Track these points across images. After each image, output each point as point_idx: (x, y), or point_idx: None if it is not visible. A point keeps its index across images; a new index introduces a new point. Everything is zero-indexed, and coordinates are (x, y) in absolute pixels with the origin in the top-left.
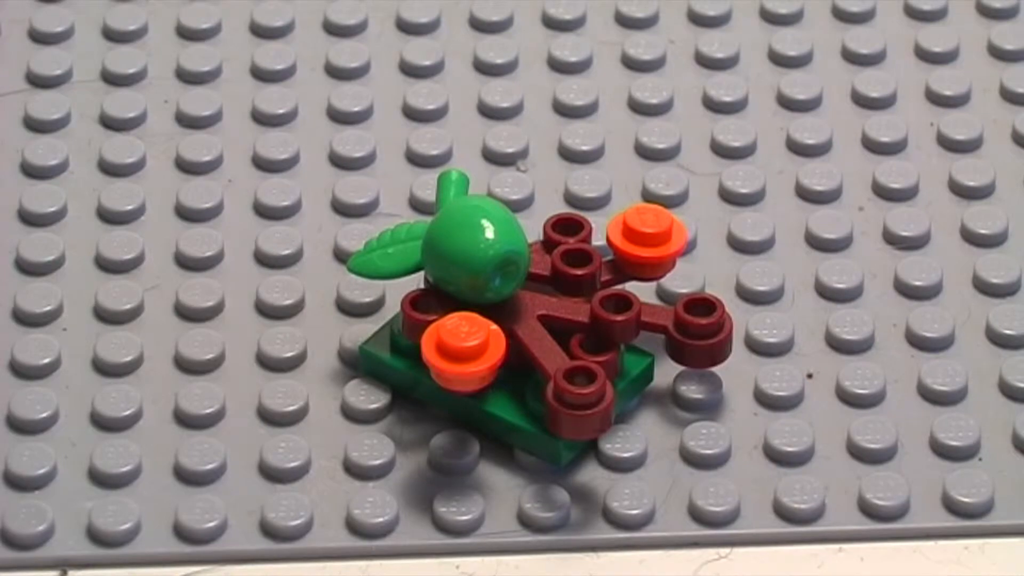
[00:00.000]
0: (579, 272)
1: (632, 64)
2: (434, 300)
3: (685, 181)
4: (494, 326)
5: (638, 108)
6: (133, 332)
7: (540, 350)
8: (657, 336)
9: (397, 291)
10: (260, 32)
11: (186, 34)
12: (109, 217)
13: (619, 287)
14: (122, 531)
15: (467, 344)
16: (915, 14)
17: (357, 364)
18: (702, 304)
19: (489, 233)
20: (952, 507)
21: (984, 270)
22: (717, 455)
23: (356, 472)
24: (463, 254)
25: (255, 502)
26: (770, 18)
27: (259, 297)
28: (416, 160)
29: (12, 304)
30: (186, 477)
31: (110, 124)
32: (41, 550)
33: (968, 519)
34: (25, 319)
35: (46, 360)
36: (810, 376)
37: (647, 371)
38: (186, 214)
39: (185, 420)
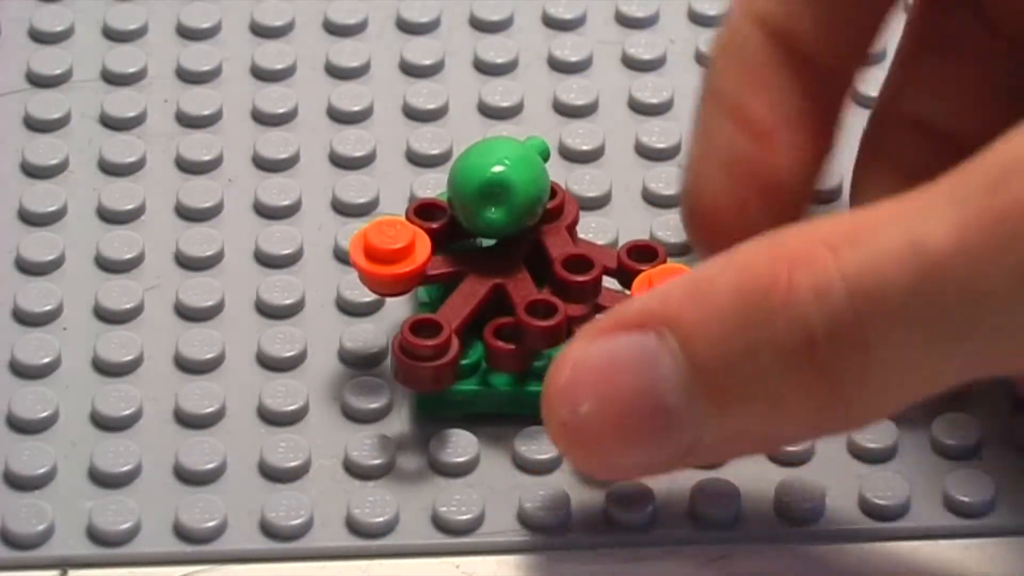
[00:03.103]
0: (580, 279)
1: (632, 64)
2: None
3: None
4: (420, 231)
5: (638, 108)
6: (133, 332)
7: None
8: None
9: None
10: (260, 32)
11: (186, 34)
12: (109, 217)
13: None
14: (122, 531)
15: (392, 247)
16: None
17: (357, 364)
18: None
19: (479, 159)
20: (952, 507)
21: None
22: None
23: (356, 472)
24: (455, 176)
25: (255, 502)
26: None
27: (259, 297)
28: (416, 160)
29: (12, 304)
30: (186, 477)
31: (110, 123)
32: (41, 550)
33: (968, 519)
34: (25, 319)
35: (46, 360)
36: None
37: None
38: (186, 214)
39: (185, 420)
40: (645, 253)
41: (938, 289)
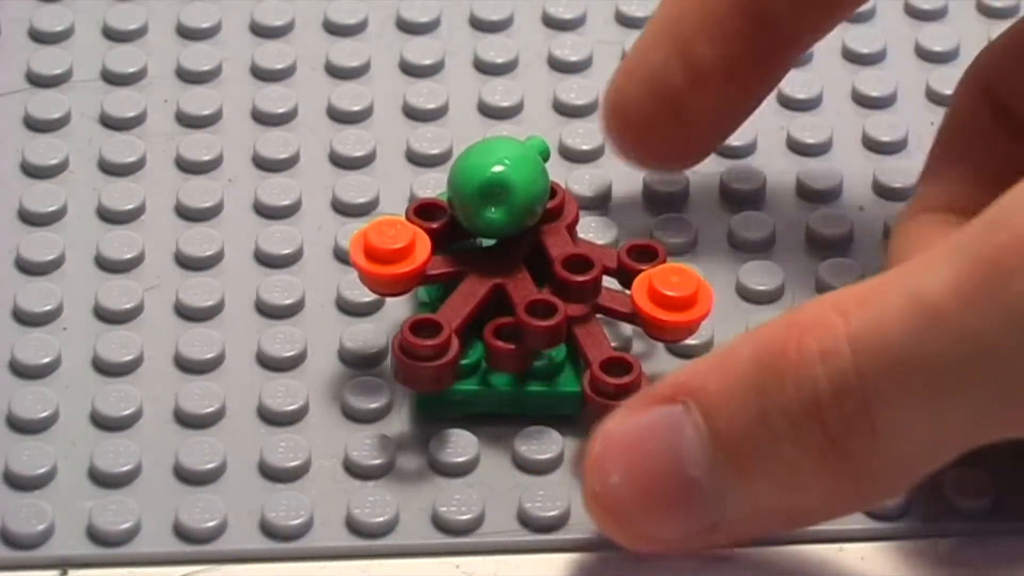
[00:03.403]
0: (580, 278)
1: None
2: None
3: (685, 181)
4: (420, 231)
5: None
6: (133, 332)
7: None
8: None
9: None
10: (260, 32)
11: (186, 33)
12: (109, 216)
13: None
14: (122, 530)
15: (392, 247)
16: (915, 13)
17: (357, 364)
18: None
19: (479, 158)
20: (952, 507)
21: None
22: None
23: (356, 472)
24: (454, 176)
25: (255, 502)
26: None
27: (259, 297)
28: (416, 160)
29: (12, 304)
30: (186, 477)
31: (110, 123)
32: (41, 549)
33: (968, 519)
34: (25, 319)
35: (46, 360)
36: None
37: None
38: (186, 213)
39: (185, 420)
40: (645, 253)
41: (935, 337)
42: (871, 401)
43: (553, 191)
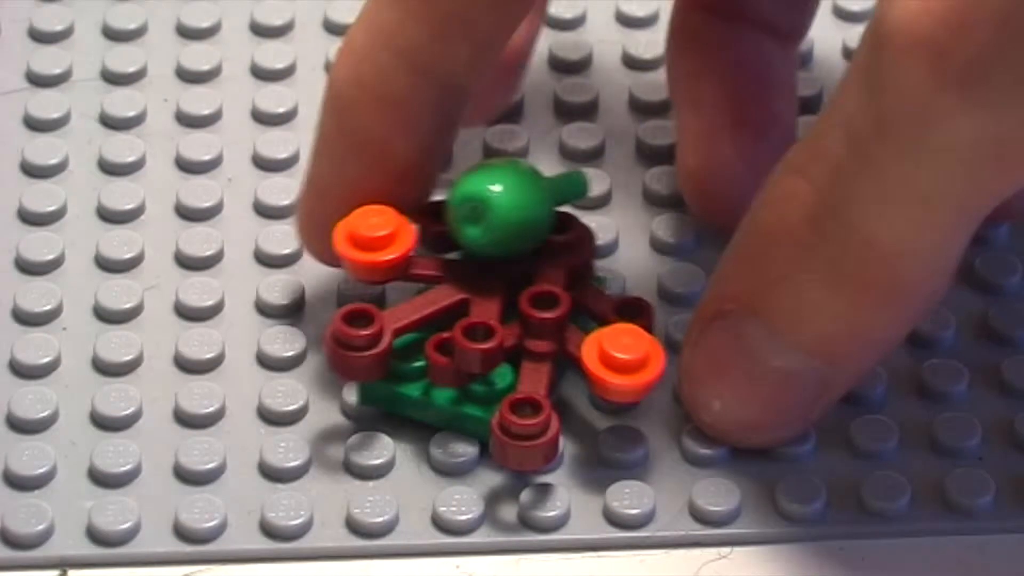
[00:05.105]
0: (541, 315)
1: (632, 63)
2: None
3: None
4: (406, 222)
5: (638, 108)
6: (133, 331)
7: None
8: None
9: (397, 292)
10: (260, 31)
11: (186, 33)
12: (109, 216)
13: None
14: (122, 530)
15: (376, 234)
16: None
17: None
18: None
19: (477, 174)
20: (952, 507)
21: (982, 268)
22: (718, 455)
23: (356, 472)
24: (451, 185)
25: (255, 502)
26: None
27: (259, 297)
28: None
29: (12, 303)
30: (186, 476)
31: (110, 123)
32: (41, 549)
33: (968, 519)
34: (25, 318)
35: (46, 359)
36: None
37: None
38: (186, 213)
39: (185, 419)
40: (633, 308)
41: (886, 163)
42: (862, 233)
43: (568, 226)
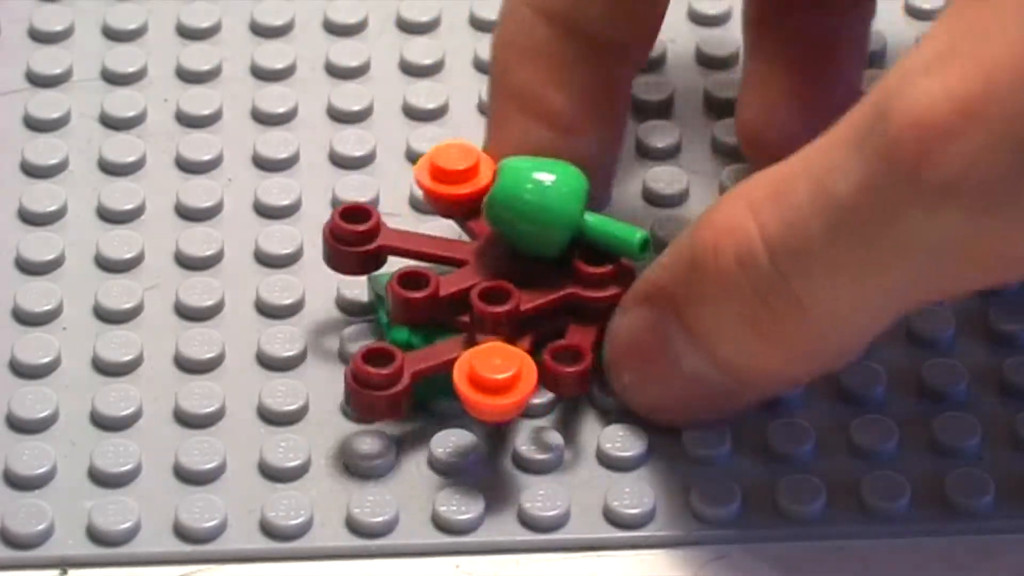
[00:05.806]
0: (498, 309)
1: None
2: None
3: (685, 181)
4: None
5: (638, 107)
6: (133, 331)
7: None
8: None
9: None
10: (260, 31)
11: (186, 33)
12: (109, 216)
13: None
14: (122, 530)
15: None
16: (916, 13)
17: None
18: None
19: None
20: (952, 507)
21: None
22: (718, 455)
23: (356, 472)
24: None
25: (255, 501)
26: None
27: (259, 297)
28: (416, 160)
29: (12, 303)
30: (186, 476)
31: (110, 123)
32: (41, 549)
33: (968, 519)
34: (25, 318)
35: (46, 359)
36: None
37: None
38: (186, 213)
39: (185, 419)
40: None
41: (853, 234)
42: (800, 299)
43: (604, 261)
